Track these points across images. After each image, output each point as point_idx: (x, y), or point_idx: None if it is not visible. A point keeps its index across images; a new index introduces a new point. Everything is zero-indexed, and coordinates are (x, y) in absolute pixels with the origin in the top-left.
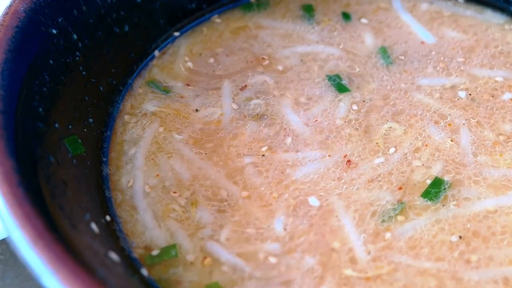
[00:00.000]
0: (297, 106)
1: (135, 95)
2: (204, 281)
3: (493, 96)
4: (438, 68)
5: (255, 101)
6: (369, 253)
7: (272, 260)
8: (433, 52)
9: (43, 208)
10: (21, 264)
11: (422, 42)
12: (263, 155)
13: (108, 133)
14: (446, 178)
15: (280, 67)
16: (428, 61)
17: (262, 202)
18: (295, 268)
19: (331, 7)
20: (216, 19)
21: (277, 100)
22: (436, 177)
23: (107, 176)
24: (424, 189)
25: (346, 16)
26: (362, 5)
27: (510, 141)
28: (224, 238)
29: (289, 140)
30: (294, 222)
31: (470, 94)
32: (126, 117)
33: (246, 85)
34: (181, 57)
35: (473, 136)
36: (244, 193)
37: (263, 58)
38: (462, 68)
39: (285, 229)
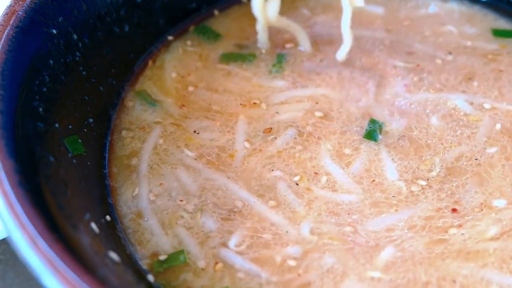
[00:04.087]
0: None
1: (129, 110)
2: (217, 287)
3: None
4: None
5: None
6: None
7: (291, 263)
8: None
9: (43, 208)
10: (21, 264)
11: None
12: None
13: (109, 137)
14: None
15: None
16: None
17: (289, 214)
18: (313, 269)
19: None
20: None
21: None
22: None
23: (107, 178)
24: None
25: None
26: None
27: None
28: (235, 244)
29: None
30: (320, 227)
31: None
32: (124, 132)
33: (270, 129)
34: (170, 76)
35: None
36: (272, 203)
37: (254, 103)
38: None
39: (312, 233)
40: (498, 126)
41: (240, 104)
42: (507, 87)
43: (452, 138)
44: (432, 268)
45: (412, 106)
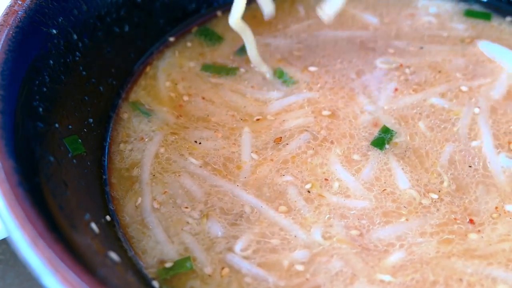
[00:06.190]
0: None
1: (125, 123)
2: None
3: None
4: None
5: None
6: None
7: (298, 267)
8: None
9: (43, 208)
10: (21, 264)
11: None
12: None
13: (109, 139)
14: None
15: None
16: None
17: (300, 219)
18: (322, 273)
19: None
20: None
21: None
22: None
23: (106, 185)
24: None
25: None
26: None
27: None
28: (240, 249)
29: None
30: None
31: None
32: (122, 146)
33: (281, 138)
34: (164, 85)
35: None
36: (283, 208)
37: (258, 119)
38: None
39: (323, 237)
40: (476, 110)
41: (241, 119)
42: (484, 63)
43: (440, 139)
44: (438, 268)
45: (406, 110)
